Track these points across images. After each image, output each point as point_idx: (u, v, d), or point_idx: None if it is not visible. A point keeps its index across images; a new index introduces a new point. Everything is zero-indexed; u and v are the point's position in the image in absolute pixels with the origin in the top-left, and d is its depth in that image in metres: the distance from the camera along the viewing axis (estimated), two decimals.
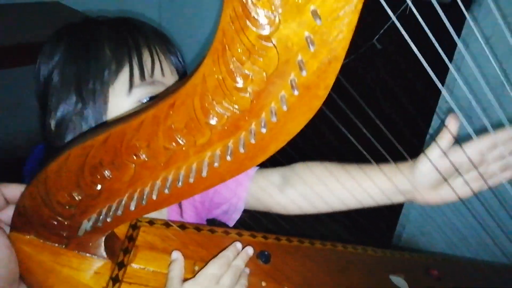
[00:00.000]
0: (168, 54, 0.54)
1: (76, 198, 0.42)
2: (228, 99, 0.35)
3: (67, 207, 0.42)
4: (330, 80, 0.34)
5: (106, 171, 0.40)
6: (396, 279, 0.62)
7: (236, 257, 0.50)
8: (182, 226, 0.56)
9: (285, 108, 0.34)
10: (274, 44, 0.32)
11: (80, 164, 0.40)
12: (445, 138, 0.50)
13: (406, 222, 1.58)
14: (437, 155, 0.50)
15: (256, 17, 0.31)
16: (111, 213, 0.41)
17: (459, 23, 1.11)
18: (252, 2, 0.31)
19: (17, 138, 1.69)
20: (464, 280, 0.66)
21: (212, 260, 0.48)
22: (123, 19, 0.54)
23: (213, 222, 0.67)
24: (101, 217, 0.42)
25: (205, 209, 0.65)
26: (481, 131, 0.51)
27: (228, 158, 0.37)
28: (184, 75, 0.56)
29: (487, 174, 0.51)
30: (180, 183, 0.39)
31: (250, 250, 0.52)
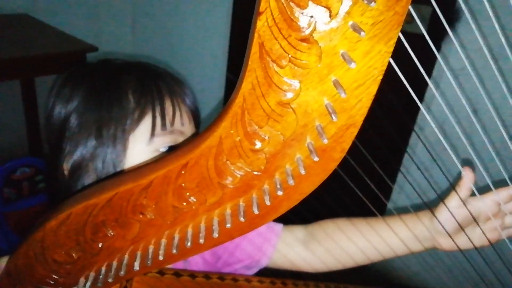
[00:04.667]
0: (186, 101, 0.53)
1: (74, 255, 0.40)
2: (243, 160, 0.35)
3: (63, 265, 0.40)
4: (347, 144, 0.34)
5: (109, 229, 0.38)
6: None
7: None
8: (177, 273, 0.54)
9: (302, 170, 0.34)
10: (293, 109, 0.33)
11: (81, 223, 0.38)
12: (463, 188, 0.51)
13: None
14: (455, 205, 0.51)
15: (278, 85, 0.31)
16: (112, 272, 0.39)
17: (436, 47, 1.17)
18: (275, 71, 0.31)
19: None
20: None
21: None
22: (143, 65, 0.54)
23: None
24: (101, 276, 0.40)
25: (220, 261, 0.63)
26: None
27: (242, 219, 0.36)
28: (197, 118, 0.56)
29: (503, 226, 0.52)
30: (189, 243, 0.37)
31: None
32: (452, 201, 0.52)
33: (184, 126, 0.52)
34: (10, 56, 1.45)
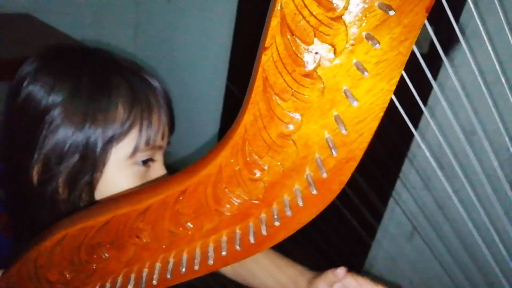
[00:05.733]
0: (168, 114, 0.52)
1: (68, 276, 0.39)
2: (242, 188, 0.35)
3: (56, 285, 0.40)
4: (346, 177, 0.34)
5: (104, 251, 0.38)
6: None
7: None
8: None
9: (300, 201, 0.34)
10: (294, 141, 0.33)
11: (77, 244, 0.37)
12: (329, 282, 0.56)
13: (374, 262, 1.61)
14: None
15: (280, 117, 0.31)
16: None
17: (435, 67, 1.16)
18: (278, 104, 0.31)
19: None
20: None
21: None
22: (134, 66, 0.51)
23: None
24: None
25: None
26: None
27: (238, 247, 0.36)
28: (172, 123, 0.54)
29: None
30: (183, 269, 0.37)
31: None
32: (321, 284, 0.57)
33: (163, 140, 0.51)
34: (9, 56, 1.44)
